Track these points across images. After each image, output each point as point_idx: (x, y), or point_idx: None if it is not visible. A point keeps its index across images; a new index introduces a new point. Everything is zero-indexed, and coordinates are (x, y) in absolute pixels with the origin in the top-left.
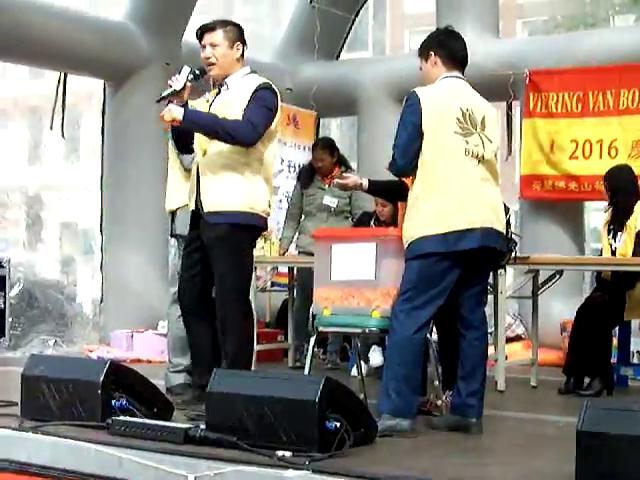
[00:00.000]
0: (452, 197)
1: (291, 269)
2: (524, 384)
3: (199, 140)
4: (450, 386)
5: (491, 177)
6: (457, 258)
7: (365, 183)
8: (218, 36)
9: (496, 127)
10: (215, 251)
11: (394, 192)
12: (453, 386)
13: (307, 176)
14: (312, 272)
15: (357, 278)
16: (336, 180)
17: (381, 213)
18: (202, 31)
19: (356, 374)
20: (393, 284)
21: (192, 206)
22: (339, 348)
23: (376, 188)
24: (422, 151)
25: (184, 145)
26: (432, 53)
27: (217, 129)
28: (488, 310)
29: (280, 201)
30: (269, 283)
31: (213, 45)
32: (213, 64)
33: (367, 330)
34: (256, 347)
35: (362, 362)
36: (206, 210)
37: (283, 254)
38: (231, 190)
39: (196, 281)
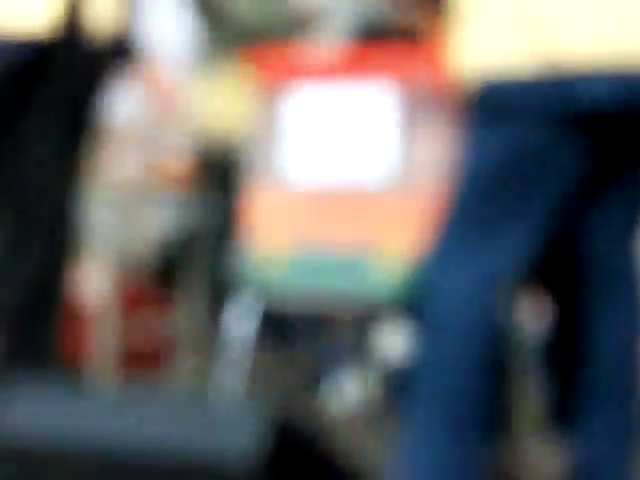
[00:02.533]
0: None
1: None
2: None
3: None
4: (565, 425)
5: None
6: (572, 128)
7: None
8: None
9: None
10: None
11: None
12: (570, 425)
13: None
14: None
15: (351, 178)
16: None
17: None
18: None
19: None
20: (429, 190)
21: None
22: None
23: None
24: None
25: None
26: None
27: None
28: None
29: None
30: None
31: None
32: None
33: (365, 304)
34: (124, 333)
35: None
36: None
37: None
38: None
39: None
